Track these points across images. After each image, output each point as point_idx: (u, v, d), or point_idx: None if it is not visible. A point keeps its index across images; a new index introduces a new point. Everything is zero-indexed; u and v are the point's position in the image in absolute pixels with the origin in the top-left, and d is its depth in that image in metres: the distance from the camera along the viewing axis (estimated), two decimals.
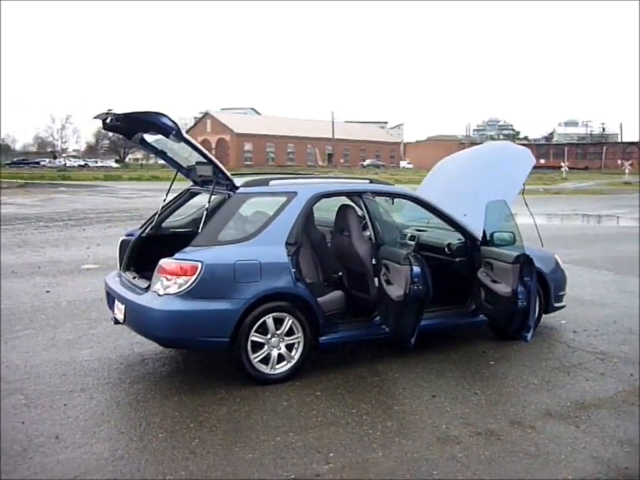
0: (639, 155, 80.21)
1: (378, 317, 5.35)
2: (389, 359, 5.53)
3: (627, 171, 51.46)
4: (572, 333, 6.46)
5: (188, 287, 4.59)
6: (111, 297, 5.40)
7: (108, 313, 6.89)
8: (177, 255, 4.71)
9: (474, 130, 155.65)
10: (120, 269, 5.65)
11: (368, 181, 5.76)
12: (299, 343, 5.00)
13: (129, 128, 5.13)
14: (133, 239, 5.78)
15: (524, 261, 4.99)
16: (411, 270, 4.66)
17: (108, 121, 4.95)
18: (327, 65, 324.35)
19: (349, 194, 5.57)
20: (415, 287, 4.66)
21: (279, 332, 4.92)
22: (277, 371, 4.94)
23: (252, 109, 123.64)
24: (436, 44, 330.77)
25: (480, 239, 5.74)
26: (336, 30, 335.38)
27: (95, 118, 5.12)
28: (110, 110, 4.91)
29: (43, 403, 4.52)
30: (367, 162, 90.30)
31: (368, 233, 5.70)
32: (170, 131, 4.61)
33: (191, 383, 4.93)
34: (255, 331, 4.81)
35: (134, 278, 5.33)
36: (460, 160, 7.30)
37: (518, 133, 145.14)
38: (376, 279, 5.43)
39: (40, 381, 4.96)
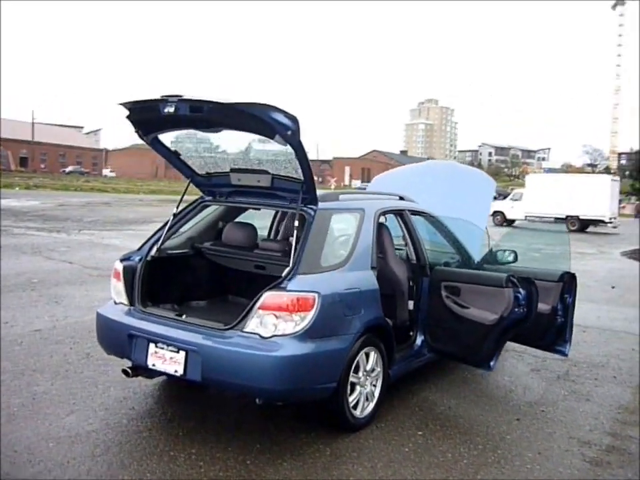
0: (332, 171, 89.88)
1: (417, 342, 5.05)
2: (423, 385, 5.28)
3: (332, 186, 57.50)
4: None
5: (306, 325, 3.73)
6: (136, 341, 4.07)
7: (21, 361, 5.25)
8: (290, 286, 3.77)
9: (171, 142, 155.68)
10: (136, 303, 4.28)
11: (398, 197, 5.38)
12: (377, 378, 4.45)
13: (203, 123, 3.94)
14: (135, 264, 4.45)
15: (567, 279, 5.21)
16: (518, 292, 4.50)
17: (170, 110, 3.74)
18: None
19: (399, 211, 5.11)
20: (520, 310, 4.51)
21: (367, 369, 4.31)
22: (364, 414, 4.32)
23: None
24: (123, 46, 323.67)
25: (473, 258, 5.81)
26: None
27: (150, 101, 3.82)
28: (177, 96, 3.72)
29: None
30: (70, 168, 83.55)
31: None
32: (281, 131, 3.68)
33: (270, 440, 4.00)
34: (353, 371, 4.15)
35: (180, 315, 4.11)
36: (400, 177, 7.30)
37: (218, 145, 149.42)
38: (410, 302, 5.15)
39: (69, 469, 3.50)
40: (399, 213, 5.11)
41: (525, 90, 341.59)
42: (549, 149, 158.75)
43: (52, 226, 17.22)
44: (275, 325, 3.72)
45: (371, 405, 4.38)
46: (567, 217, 29.39)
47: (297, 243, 4.02)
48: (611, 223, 29.38)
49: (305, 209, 4.21)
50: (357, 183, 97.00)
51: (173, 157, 4.55)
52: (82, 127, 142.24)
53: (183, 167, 4.65)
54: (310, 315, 3.74)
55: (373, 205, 4.73)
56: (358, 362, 4.19)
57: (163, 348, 3.95)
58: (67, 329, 6.40)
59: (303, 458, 3.81)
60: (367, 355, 4.30)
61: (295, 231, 4.06)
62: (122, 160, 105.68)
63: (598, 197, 28.76)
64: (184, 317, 4.09)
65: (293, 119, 3.65)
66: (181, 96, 3.72)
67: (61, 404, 4.44)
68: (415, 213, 5.36)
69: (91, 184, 53.22)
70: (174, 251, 4.85)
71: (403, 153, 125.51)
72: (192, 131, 4.45)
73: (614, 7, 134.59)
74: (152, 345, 4.00)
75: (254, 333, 3.75)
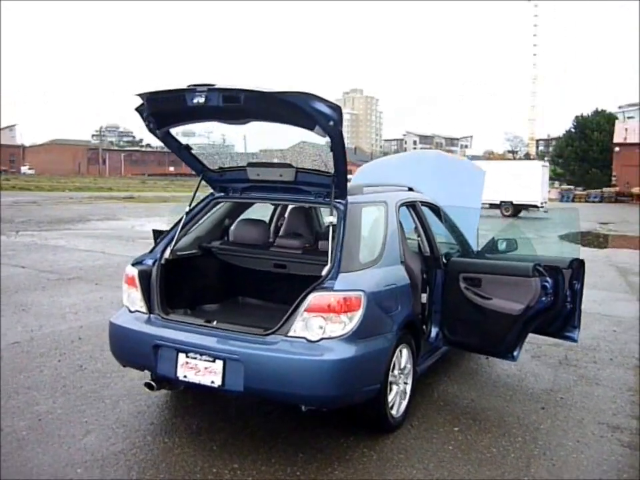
0: None
1: (432, 336, 4.95)
2: (437, 378, 5.20)
3: None
4: None
5: (354, 326, 3.54)
6: (161, 351, 3.77)
7: (10, 378, 4.86)
8: (336, 286, 3.56)
9: (92, 135, 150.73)
10: (156, 310, 3.96)
11: (407, 189, 5.23)
12: (408, 376, 4.32)
13: (233, 114, 3.63)
14: (149, 267, 4.12)
15: (576, 266, 5.23)
16: (546, 281, 4.46)
17: (200, 100, 3.44)
18: None
19: (412, 203, 4.96)
20: (547, 299, 4.47)
21: (402, 366, 4.18)
22: (399, 412, 4.19)
23: None
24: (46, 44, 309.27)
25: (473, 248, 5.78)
26: None
27: (175, 91, 3.49)
28: (207, 85, 3.43)
29: None
30: None
31: None
32: (322, 122, 3.45)
33: (312, 448, 3.81)
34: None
35: (209, 321, 3.83)
36: (386, 168, 7.18)
37: (141, 140, 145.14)
38: (423, 295, 5.05)
39: None
40: (411, 205, 4.99)
41: (445, 78, 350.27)
42: (471, 136, 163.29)
43: None
44: (322, 328, 3.52)
45: (404, 403, 4.26)
46: (501, 202, 30.30)
47: (332, 239, 3.81)
48: (542, 207, 30.47)
49: (334, 203, 4.00)
50: None
51: (183, 151, 4.24)
52: None
53: (194, 161, 4.34)
54: (357, 315, 3.56)
55: (392, 197, 4.59)
56: (394, 360, 4.05)
57: (195, 358, 3.67)
58: (47, 340, 5.94)
59: (352, 464, 3.64)
60: (401, 353, 4.17)
61: (331, 227, 3.85)
62: (41, 156, 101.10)
63: (530, 183, 29.73)
64: (214, 322, 3.82)
65: (336, 109, 3.43)
66: (212, 85, 3.44)
67: (72, 424, 4.07)
68: (423, 203, 5.25)
69: (11, 182, 50.45)
70: (184, 252, 4.54)
71: None
72: (204, 124, 4.15)
73: None
74: (182, 355, 3.71)
75: (300, 337, 3.53)
